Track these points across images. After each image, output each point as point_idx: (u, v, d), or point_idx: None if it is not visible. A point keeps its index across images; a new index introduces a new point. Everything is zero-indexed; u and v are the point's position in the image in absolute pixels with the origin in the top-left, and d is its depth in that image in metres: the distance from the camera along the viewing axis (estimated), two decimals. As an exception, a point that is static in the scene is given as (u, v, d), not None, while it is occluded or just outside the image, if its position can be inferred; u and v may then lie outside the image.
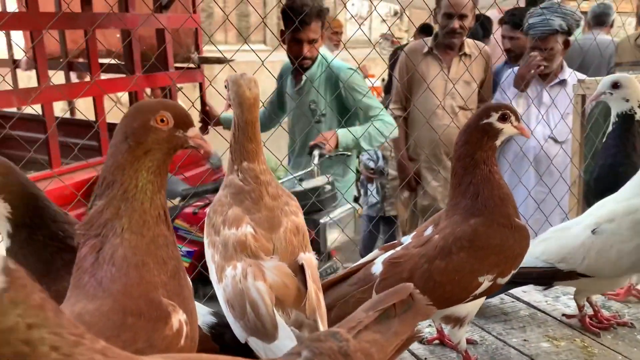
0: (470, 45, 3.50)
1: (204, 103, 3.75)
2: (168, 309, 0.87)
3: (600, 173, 1.99)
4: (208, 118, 3.59)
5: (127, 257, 0.87)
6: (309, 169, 3.03)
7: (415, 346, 1.52)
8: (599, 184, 1.97)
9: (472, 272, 1.36)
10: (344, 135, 2.96)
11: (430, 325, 1.66)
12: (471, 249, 1.36)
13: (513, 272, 1.41)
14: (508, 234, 1.39)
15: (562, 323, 1.70)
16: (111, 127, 3.33)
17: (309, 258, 1.19)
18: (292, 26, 2.72)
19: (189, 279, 0.99)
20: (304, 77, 3.09)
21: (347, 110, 3.06)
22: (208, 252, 1.23)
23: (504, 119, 1.39)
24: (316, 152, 2.93)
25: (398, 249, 1.45)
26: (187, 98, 2.52)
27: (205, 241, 1.24)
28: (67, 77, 4.30)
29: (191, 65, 4.28)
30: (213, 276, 1.20)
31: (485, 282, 1.37)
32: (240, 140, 1.23)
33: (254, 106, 1.22)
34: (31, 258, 1.00)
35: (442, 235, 1.40)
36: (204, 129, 3.60)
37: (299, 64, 2.91)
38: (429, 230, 1.45)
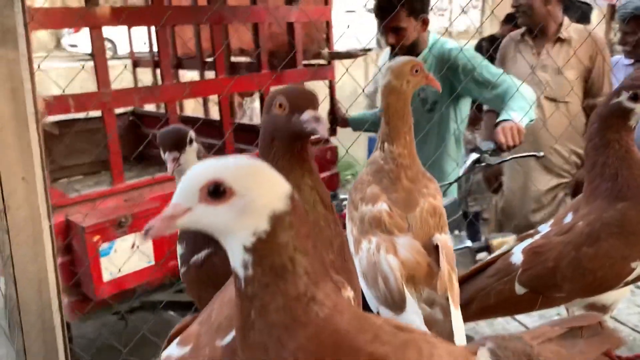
0: (570, 29, 3.00)
1: (333, 102, 3.58)
2: (337, 285, 0.86)
3: None
4: (336, 118, 3.44)
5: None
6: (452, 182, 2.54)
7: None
8: None
9: (624, 258, 1.33)
10: (522, 119, 2.34)
11: (558, 314, 1.70)
12: (622, 234, 1.32)
13: None
14: None
15: None
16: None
17: (444, 239, 1.23)
18: (379, 14, 2.63)
19: (351, 254, 1.03)
20: None
21: (459, 96, 2.66)
22: (348, 226, 1.33)
23: (635, 98, 1.32)
24: (474, 156, 2.33)
25: (537, 237, 1.44)
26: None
27: (347, 216, 1.34)
28: (202, 76, 4.38)
29: (321, 61, 3.98)
30: (351, 248, 1.26)
31: (639, 267, 1.33)
32: (383, 123, 1.33)
33: (391, 93, 1.31)
34: None
35: (587, 221, 1.37)
36: (332, 130, 3.50)
37: (403, 52, 2.57)
38: (569, 217, 1.43)
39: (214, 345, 0.95)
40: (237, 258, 0.67)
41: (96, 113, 3.13)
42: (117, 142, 3.04)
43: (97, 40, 2.80)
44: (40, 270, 1.29)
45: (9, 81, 1.21)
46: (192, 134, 1.31)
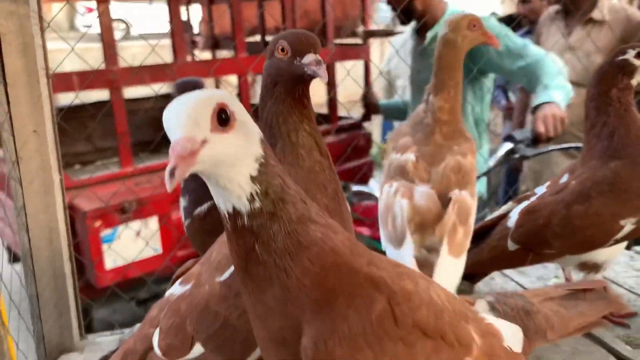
0: (605, 9, 2.76)
1: (367, 85, 3.43)
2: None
3: None
4: (369, 103, 3.20)
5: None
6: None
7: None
8: None
9: (613, 216, 1.34)
10: (563, 99, 2.09)
11: (556, 276, 1.72)
12: (612, 192, 1.34)
13: None
14: None
15: None
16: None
17: (461, 195, 1.28)
18: None
19: (346, 201, 1.05)
20: (428, 36, 2.53)
21: (480, 72, 2.47)
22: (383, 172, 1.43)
23: None
24: (507, 146, 2.17)
25: (533, 199, 1.46)
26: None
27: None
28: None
29: (356, 40, 3.83)
30: (378, 192, 1.42)
31: (628, 225, 1.35)
32: (432, 75, 1.37)
33: (445, 45, 1.35)
34: None
35: (580, 180, 1.39)
36: (366, 116, 3.36)
37: (421, 23, 2.50)
38: (565, 178, 1.44)
39: (213, 281, 1.00)
40: (245, 193, 0.65)
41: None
42: (124, 124, 3.08)
43: (104, 16, 2.83)
44: (51, 220, 1.35)
45: (20, 36, 1.26)
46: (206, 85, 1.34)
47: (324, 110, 3.95)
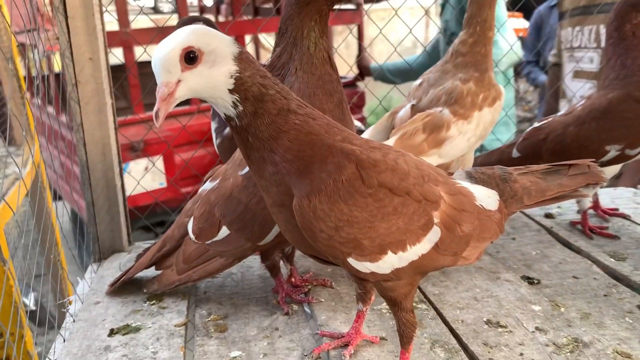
0: None
1: (360, 48, 3.69)
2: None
3: None
4: (361, 66, 3.59)
5: (301, 89, 1.11)
6: None
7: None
8: None
9: (600, 141, 1.51)
10: None
11: (559, 206, 1.81)
12: (602, 119, 1.50)
13: None
14: None
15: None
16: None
17: (438, 111, 1.48)
18: None
19: (349, 111, 1.24)
20: None
21: None
22: None
23: None
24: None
25: (550, 119, 1.65)
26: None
27: None
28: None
29: (350, 5, 4.02)
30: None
31: (613, 151, 1.51)
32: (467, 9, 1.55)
33: None
34: None
35: (583, 106, 1.57)
36: (360, 76, 3.64)
37: None
38: (579, 105, 1.60)
39: (236, 175, 1.21)
40: (228, 103, 0.83)
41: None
42: (136, 77, 3.67)
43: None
44: (104, 137, 1.58)
45: (77, -25, 1.47)
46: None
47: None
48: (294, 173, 0.86)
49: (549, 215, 1.79)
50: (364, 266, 0.89)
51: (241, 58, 0.83)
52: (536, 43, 3.54)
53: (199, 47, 0.80)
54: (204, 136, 2.20)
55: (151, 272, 1.39)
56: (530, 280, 1.37)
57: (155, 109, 0.78)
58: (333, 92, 1.16)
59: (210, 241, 1.23)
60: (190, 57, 0.79)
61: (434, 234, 0.92)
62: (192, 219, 1.28)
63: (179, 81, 0.79)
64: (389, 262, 0.89)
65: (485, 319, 1.21)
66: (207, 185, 1.30)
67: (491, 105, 1.52)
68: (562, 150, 1.53)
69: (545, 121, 1.65)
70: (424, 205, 0.90)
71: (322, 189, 0.85)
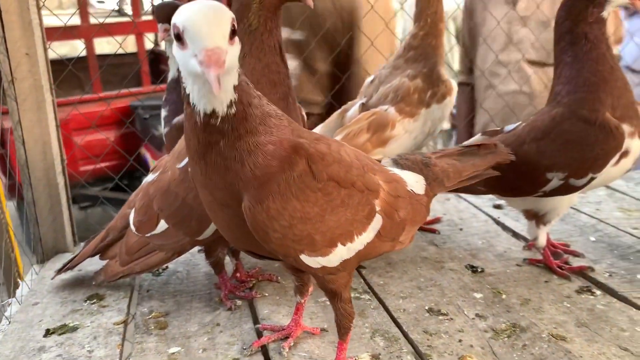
0: None
1: None
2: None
3: None
4: None
5: (246, 77, 1.08)
6: None
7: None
8: None
9: (540, 167, 1.26)
10: None
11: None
12: (543, 141, 1.25)
13: (592, 175, 1.24)
14: (588, 130, 1.21)
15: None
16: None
17: (383, 110, 1.46)
18: None
19: (298, 105, 1.22)
20: None
21: None
22: None
23: None
24: None
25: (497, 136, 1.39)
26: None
27: None
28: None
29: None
30: None
31: (555, 179, 1.26)
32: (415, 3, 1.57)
33: None
34: None
35: (526, 124, 1.33)
36: None
37: None
38: (529, 118, 1.37)
39: (175, 167, 1.18)
40: (226, 99, 0.76)
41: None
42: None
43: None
44: (44, 134, 1.53)
45: (11, -32, 1.42)
46: None
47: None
48: (254, 185, 0.81)
49: (497, 207, 1.82)
50: (316, 261, 0.87)
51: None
52: None
53: (235, 25, 0.72)
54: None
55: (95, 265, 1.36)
56: (474, 269, 1.39)
57: (214, 75, 0.67)
58: (278, 84, 1.15)
59: (149, 234, 1.21)
60: (233, 31, 0.72)
61: (377, 222, 0.92)
62: (133, 210, 1.25)
63: (226, 52, 0.69)
64: (338, 255, 0.89)
65: (427, 307, 1.21)
66: (149, 177, 1.27)
67: (440, 102, 1.51)
68: (498, 176, 1.23)
69: (485, 137, 1.40)
70: (367, 195, 0.90)
71: (275, 188, 0.81)
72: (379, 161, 1.05)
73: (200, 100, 0.76)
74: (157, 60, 5.22)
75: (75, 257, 1.38)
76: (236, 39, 0.73)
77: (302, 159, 0.83)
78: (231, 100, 0.76)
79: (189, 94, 0.77)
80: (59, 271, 1.38)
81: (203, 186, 0.86)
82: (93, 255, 1.34)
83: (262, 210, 0.81)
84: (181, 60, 0.73)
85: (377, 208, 0.92)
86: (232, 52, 0.72)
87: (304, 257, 0.86)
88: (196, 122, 0.78)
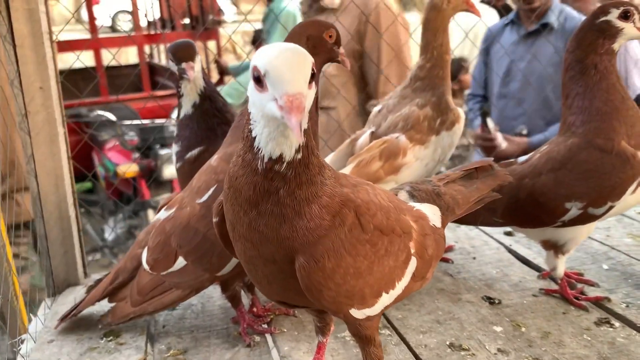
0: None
1: (219, 53, 5.49)
2: None
3: None
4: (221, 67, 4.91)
5: None
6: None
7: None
8: None
9: (558, 197, 1.26)
10: None
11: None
12: (560, 171, 1.26)
13: (611, 203, 1.25)
14: (605, 159, 1.22)
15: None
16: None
17: (394, 138, 1.49)
18: None
19: None
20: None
21: None
22: None
23: (625, 16, 1.22)
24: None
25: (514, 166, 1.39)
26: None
27: None
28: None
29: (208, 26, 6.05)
30: None
31: (574, 209, 1.26)
32: (421, 36, 1.60)
33: (431, 9, 1.53)
34: (203, 124, 1.44)
35: (541, 154, 1.33)
36: (221, 75, 4.99)
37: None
38: (539, 151, 1.37)
39: (194, 203, 1.18)
40: (296, 143, 0.74)
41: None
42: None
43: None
44: (56, 167, 1.53)
45: (26, 3, 1.43)
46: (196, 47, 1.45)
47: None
48: (309, 240, 0.77)
49: (508, 233, 1.82)
50: (363, 313, 0.86)
51: None
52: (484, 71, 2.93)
53: (314, 68, 0.72)
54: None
55: (107, 305, 1.35)
56: (491, 301, 1.38)
57: (296, 120, 0.66)
58: (313, 133, 1.16)
59: (165, 272, 1.20)
60: (312, 75, 0.71)
61: (412, 265, 0.92)
62: (145, 249, 1.24)
63: (305, 96, 0.68)
64: (382, 303, 0.88)
65: (448, 343, 1.21)
66: (162, 214, 1.27)
67: (449, 129, 1.53)
68: (515, 206, 1.29)
69: (507, 168, 1.38)
70: (404, 239, 0.90)
71: (329, 245, 0.78)
72: (396, 194, 1.06)
73: (268, 143, 0.74)
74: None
75: (80, 302, 1.33)
76: (313, 83, 0.72)
77: (350, 211, 0.82)
78: (300, 145, 0.75)
79: (254, 137, 0.75)
80: (63, 319, 1.33)
81: (247, 239, 0.81)
82: (101, 299, 1.30)
83: (318, 269, 0.78)
84: (258, 102, 0.72)
85: (412, 250, 0.92)
86: (310, 96, 0.70)
87: (353, 311, 0.85)
88: (256, 168, 0.76)
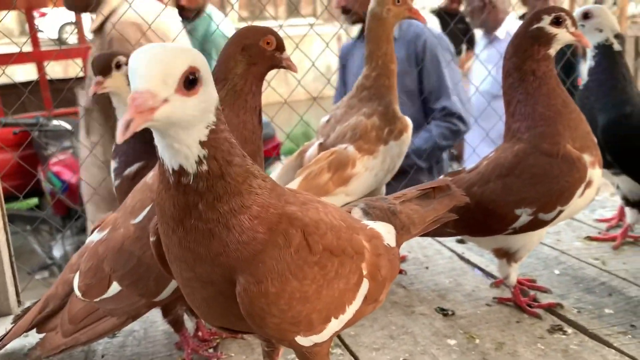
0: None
1: None
2: None
3: (609, 119, 1.56)
4: None
5: None
6: None
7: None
8: (609, 134, 1.56)
9: (507, 204, 1.25)
10: None
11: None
12: (508, 177, 1.25)
13: (560, 208, 1.24)
14: (552, 163, 1.22)
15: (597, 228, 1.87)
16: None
17: (342, 148, 1.46)
18: None
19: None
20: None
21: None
22: None
23: (557, 22, 1.23)
24: None
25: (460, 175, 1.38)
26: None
27: None
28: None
29: None
30: None
31: (524, 215, 1.25)
32: (365, 46, 1.55)
33: (372, 18, 1.50)
34: (141, 137, 1.10)
35: (488, 161, 1.33)
36: None
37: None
38: (486, 158, 1.37)
39: (128, 224, 1.10)
40: (192, 155, 0.67)
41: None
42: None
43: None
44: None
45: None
46: (121, 59, 1.38)
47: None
48: (244, 256, 0.71)
49: (460, 241, 1.80)
50: (310, 340, 0.80)
51: (218, 107, 0.69)
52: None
53: (201, 75, 0.64)
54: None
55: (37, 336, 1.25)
56: (444, 312, 1.35)
57: (127, 117, 0.58)
58: (249, 142, 1.10)
59: (99, 299, 1.11)
60: (190, 80, 0.63)
61: (364, 287, 0.86)
62: (77, 274, 1.15)
63: (165, 100, 0.61)
64: (330, 329, 0.81)
65: (402, 359, 1.17)
66: (95, 236, 1.18)
67: (398, 138, 1.50)
68: (465, 215, 1.22)
69: (450, 178, 1.35)
70: (356, 260, 0.84)
71: (272, 266, 0.72)
72: (349, 211, 1.01)
73: (165, 155, 0.68)
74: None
75: (5, 335, 1.20)
76: (201, 90, 0.65)
77: (298, 231, 0.75)
78: (199, 157, 0.67)
79: (157, 146, 0.69)
80: None
81: (181, 260, 0.74)
82: (29, 330, 1.18)
83: (261, 294, 0.71)
84: None
85: (364, 272, 0.86)
86: (185, 103, 0.63)
87: (299, 339, 0.78)
88: (169, 182, 0.70)
